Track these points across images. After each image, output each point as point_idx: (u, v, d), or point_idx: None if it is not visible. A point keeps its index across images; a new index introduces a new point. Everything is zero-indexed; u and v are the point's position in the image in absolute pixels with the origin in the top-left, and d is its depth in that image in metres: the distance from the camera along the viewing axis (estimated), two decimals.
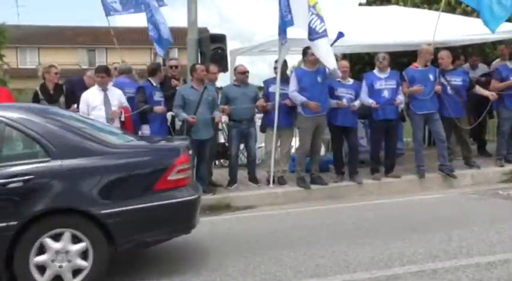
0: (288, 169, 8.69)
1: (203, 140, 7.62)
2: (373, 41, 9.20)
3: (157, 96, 7.76)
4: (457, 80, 8.49)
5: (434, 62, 8.64)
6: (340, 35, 7.59)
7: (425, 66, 8.34)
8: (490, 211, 6.61)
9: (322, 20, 7.36)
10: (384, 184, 8.30)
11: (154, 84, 7.80)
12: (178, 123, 7.69)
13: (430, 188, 8.25)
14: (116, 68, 8.84)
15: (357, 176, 8.29)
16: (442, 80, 8.42)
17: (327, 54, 7.46)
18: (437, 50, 8.76)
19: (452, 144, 8.84)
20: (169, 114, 7.84)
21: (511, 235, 5.38)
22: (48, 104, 7.32)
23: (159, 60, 8.76)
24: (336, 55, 8.52)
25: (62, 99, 7.63)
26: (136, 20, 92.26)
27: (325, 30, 7.34)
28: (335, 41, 7.60)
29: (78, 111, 7.25)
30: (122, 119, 7.32)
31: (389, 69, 8.33)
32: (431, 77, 8.26)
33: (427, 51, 8.30)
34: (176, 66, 8.59)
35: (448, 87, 8.42)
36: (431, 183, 8.36)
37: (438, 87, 8.27)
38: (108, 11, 9.99)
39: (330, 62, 7.50)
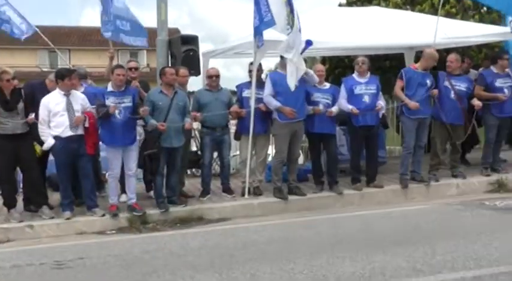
0: (264, 179, 8.69)
1: (174, 148, 7.59)
2: (353, 44, 9.28)
3: (111, 101, 7.27)
4: (461, 86, 8.58)
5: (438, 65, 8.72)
6: (308, 44, 7.64)
7: (425, 70, 8.43)
8: (476, 223, 6.68)
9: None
10: (366, 194, 8.33)
11: (109, 89, 7.39)
12: (139, 132, 7.61)
13: (414, 199, 8.32)
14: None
15: (337, 186, 8.32)
16: (447, 83, 8.50)
17: (291, 74, 7.56)
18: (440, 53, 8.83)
19: (442, 152, 8.89)
20: (139, 127, 7.69)
21: (498, 247, 5.45)
22: (4, 112, 7.14)
23: (128, 64, 8.45)
24: (314, 58, 8.60)
25: (20, 105, 7.25)
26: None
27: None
28: (303, 50, 7.65)
29: (37, 121, 7.12)
30: (86, 125, 7.25)
31: (369, 74, 8.39)
32: (428, 82, 8.34)
33: (432, 56, 8.35)
34: (136, 68, 8.45)
35: (452, 92, 8.50)
36: (415, 193, 8.43)
37: (435, 91, 8.35)
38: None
39: (291, 82, 7.58)
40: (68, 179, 7.30)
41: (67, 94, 7.15)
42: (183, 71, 8.22)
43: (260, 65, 8.40)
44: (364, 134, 8.28)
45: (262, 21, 7.73)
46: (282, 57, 7.94)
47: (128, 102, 7.37)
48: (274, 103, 7.88)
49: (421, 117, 8.34)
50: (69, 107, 7.11)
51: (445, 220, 6.92)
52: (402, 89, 8.35)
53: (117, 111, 7.24)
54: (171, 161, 7.66)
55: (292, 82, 7.58)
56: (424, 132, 8.48)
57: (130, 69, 8.26)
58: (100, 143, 7.74)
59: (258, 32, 7.87)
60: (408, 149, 8.45)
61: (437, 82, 8.47)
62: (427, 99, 8.41)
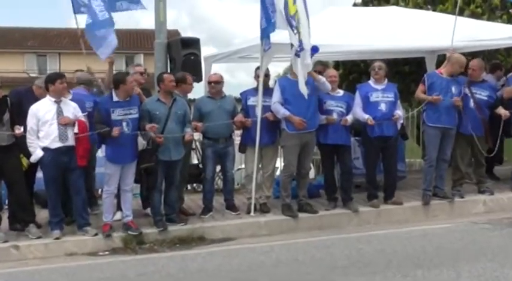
0: (272, 195, 8.69)
1: (173, 161, 7.60)
2: (369, 47, 9.31)
3: (117, 114, 7.28)
4: (482, 95, 8.61)
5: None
6: (314, 50, 7.67)
7: (451, 76, 8.46)
8: (505, 243, 6.66)
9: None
10: (383, 211, 8.33)
11: (115, 99, 7.35)
12: (142, 143, 7.61)
13: (436, 217, 8.30)
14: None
15: (352, 202, 8.31)
16: (466, 91, 8.54)
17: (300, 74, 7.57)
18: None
19: (465, 165, 8.90)
20: (140, 140, 7.62)
21: None
22: None
23: (136, 68, 8.34)
24: (326, 62, 8.63)
25: (6, 116, 7.18)
26: None
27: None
28: (310, 56, 7.68)
29: (24, 134, 7.12)
30: (75, 130, 7.19)
31: (386, 80, 8.42)
32: (453, 89, 8.37)
33: (459, 62, 8.39)
34: (146, 74, 8.44)
35: (471, 101, 8.54)
36: (438, 211, 8.42)
37: (458, 100, 8.34)
38: (78, 7, 9.05)
39: (303, 86, 7.57)
40: (58, 194, 7.29)
41: (58, 101, 7.18)
42: (190, 78, 8.25)
43: (267, 70, 8.43)
44: (381, 146, 8.29)
45: (270, 22, 7.77)
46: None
47: (134, 113, 7.39)
48: (282, 111, 7.89)
49: (446, 127, 8.35)
50: (60, 116, 7.12)
51: (470, 240, 6.89)
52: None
53: (124, 124, 7.27)
54: (169, 176, 7.67)
55: (303, 86, 7.56)
56: (449, 145, 8.46)
57: (141, 74, 8.29)
58: (97, 156, 7.76)
59: (265, 34, 7.90)
60: (430, 162, 8.45)
61: None
62: (452, 108, 8.39)
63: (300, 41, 7.47)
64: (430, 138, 8.47)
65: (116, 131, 7.15)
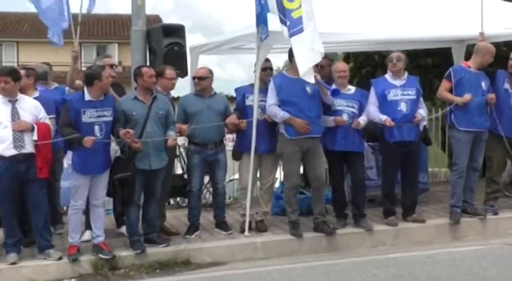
0: (271, 211, 8.67)
1: (153, 170, 7.56)
2: (385, 36, 9.27)
3: (88, 116, 7.18)
4: None
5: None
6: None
7: (479, 69, 8.46)
8: None
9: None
10: (402, 231, 8.33)
11: (87, 98, 7.24)
12: (114, 149, 7.55)
13: (465, 238, 8.33)
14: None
15: (365, 220, 8.31)
16: (507, 86, 8.56)
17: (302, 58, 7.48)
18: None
19: (501, 175, 8.93)
20: (113, 146, 7.57)
21: None
22: None
23: (105, 60, 8.33)
24: (334, 54, 8.57)
25: None
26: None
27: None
28: None
29: None
30: (35, 138, 7.12)
31: (406, 74, 8.43)
32: (483, 84, 8.40)
33: (490, 51, 8.39)
34: (116, 66, 8.46)
35: None
36: (467, 230, 8.44)
37: (492, 96, 8.35)
38: None
39: (303, 68, 7.45)
40: (13, 210, 7.23)
41: (12, 101, 7.12)
42: (170, 72, 8.19)
43: (270, 63, 8.41)
44: (400, 153, 8.28)
45: (266, 5, 7.74)
46: (290, 54, 7.87)
47: (109, 115, 7.31)
48: (281, 114, 7.84)
49: (478, 131, 8.36)
50: (15, 117, 7.07)
51: (506, 265, 6.89)
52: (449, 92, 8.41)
53: (97, 128, 7.19)
54: (149, 188, 7.63)
55: (304, 69, 7.42)
56: (480, 150, 8.50)
57: (112, 66, 8.26)
58: (64, 167, 7.67)
59: (261, 20, 7.88)
60: (460, 172, 8.44)
61: (495, 84, 8.49)
62: (483, 108, 8.41)
63: (299, 19, 7.41)
64: (461, 144, 8.43)
65: (88, 142, 7.02)
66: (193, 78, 8.34)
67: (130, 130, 7.28)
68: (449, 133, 8.77)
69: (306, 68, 7.44)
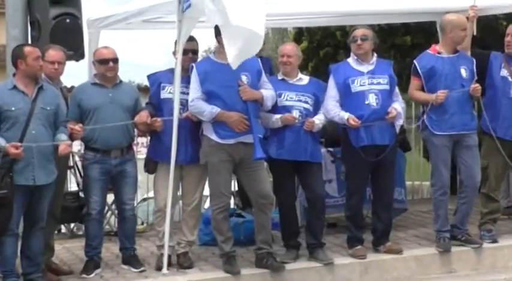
0: (197, 240, 8.76)
1: (38, 187, 7.50)
2: (350, 7, 9.45)
3: None
4: None
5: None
6: None
7: (455, 52, 8.60)
8: None
9: None
10: (373, 264, 8.42)
11: None
12: None
13: (456, 273, 8.46)
14: None
15: (323, 250, 8.38)
16: (504, 72, 8.70)
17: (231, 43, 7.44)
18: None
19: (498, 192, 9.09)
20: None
21: None
22: None
23: None
24: (283, 31, 8.56)
25: None
26: None
27: None
28: None
29: None
30: None
31: (375, 57, 8.51)
32: (463, 71, 8.50)
33: (459, 24, 8.48)
34: None
35: None
36: (457, 262, 8.56)
37: (475, 87, 8.40)
38: None
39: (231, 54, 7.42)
40: None
41: None
42: (54, 52, 8.16)
43: (194, 43, 8.37)
44: (370, 162, 8.34)
45: None
46: (217, 31, 7.83)
47: None
48: (208, 109, 7.81)
49: (460, 134, 8.47)
50: None
51: None
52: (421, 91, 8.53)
53: None
54: (31, 211, 7.57)
55: (232, 55, 7.39)
56: (471, 157, 8.56)
57: None
58: None
59: None
60: (441, 187, 8.58)
61: (488, 71, 8.67)
62: (467, 101, 8.55)
63: None
64: (435, 151, 8.59)
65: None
66: (107, 61, 8.16)
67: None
68: (423, 138, 8.94)
69: (235, 52, 7.40)
